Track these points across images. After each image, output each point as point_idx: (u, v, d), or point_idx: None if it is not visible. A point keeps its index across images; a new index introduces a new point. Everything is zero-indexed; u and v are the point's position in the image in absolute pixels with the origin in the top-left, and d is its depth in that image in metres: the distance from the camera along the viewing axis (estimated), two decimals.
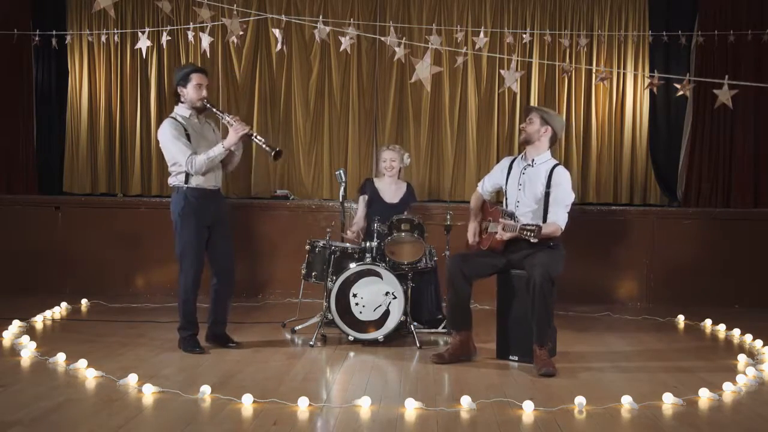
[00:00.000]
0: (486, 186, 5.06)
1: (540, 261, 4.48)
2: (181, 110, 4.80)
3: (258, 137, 4.78)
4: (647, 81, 6.49)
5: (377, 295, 5.01)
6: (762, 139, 7.09)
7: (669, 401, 3.85)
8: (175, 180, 4.73)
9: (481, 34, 6.24)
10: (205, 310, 4.94)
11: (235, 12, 5.90)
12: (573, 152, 7.33)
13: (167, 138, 4.67)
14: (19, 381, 4.05)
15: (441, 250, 5.45)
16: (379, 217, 5.30)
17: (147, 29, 6.00)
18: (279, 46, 5.87)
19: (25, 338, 4.83)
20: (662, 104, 7.33)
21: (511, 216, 4.65)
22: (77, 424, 3.39)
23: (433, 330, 5.46)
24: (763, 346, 5.10)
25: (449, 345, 4.78)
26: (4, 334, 5.00)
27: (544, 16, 7.29)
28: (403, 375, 4.38)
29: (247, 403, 3.68)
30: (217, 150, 4.68)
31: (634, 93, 7.33)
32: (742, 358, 4.77)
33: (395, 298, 5.00)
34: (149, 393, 3.82)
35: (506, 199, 4.89)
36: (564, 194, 4.64)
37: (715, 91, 5.48)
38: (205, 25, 5.72)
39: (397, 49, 5.81)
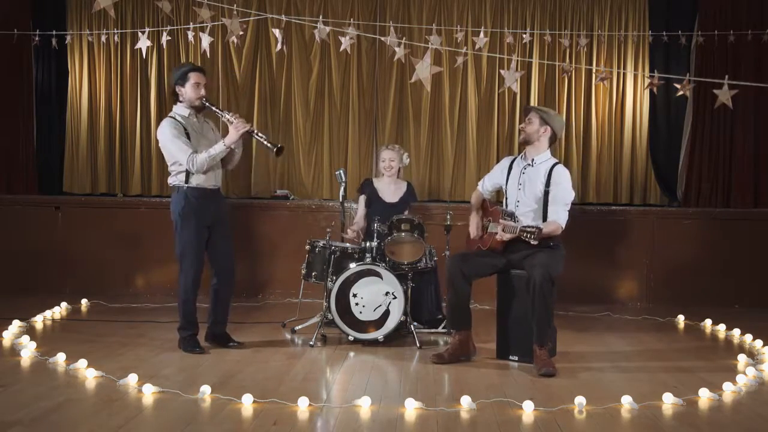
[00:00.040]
0: (486, 185, 5.07)
1: (540, 261, 4.48)
2: (180, 109, 4.79)
3: (259, 134, 4.77)
4: (647, 81, 6.49)
5: (377, 295, 5.01)
6: (762, 139, 7.09)
7: (669, 401, 3.85)
8: (175, 180, 4.73)
9: (481, 34, 6.24)
10: (205, 310, 4.94)
11: (235, 12, 5.90)
12: (573, 152, 7.33)
13: (167, 137, 4.66)
14: (19, 381, 4.05)
15: (441, 250, 5.44)
16: (379, 217, 5.30)
17: (147, 29, 6.00)
18: (279, 46, 5.87)
19: (25, 338, 4.83)
20: (662, 104, 7.34)
21: (511, 216, 4.65)
22: (77, 424, 3.39)
23: (433, 330, 5.46)
24: (763, 346, 5.10)
25: (449, 345, 4.78)
26: (4, 334, 5.00)
27: (544, 16, 7.29)
28: (403, 375, 4.38)
29: (247, 403, 3.68)
30: (219, 148, 4.68)
31: (634, 93, 7.33)
32: (742, 358, 4.77)
33: (395, 298, 5.00)
34: (149, 393, 3.81)
35: (506, 198, 4.89)
36: (564, 193, 4.64)
37: (715, 91, 5.48)
38: (205, 25, 5.72)
39: (397, 49, 5.81)
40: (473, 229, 4.97)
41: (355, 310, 5.01)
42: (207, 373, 4.27)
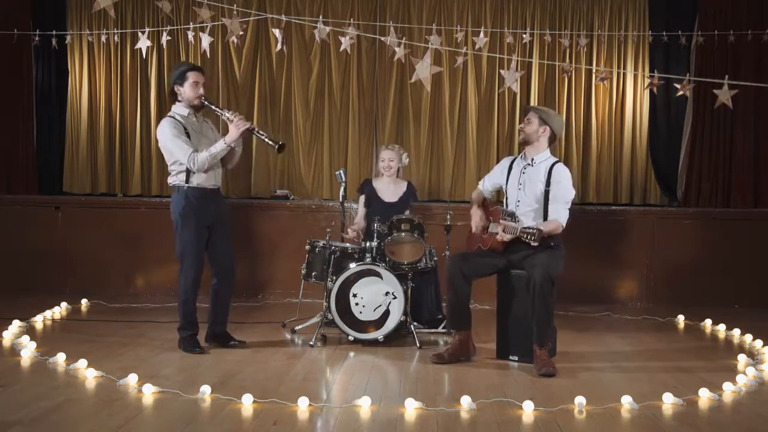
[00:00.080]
0: (486, 185, 5.07)
1: (540, 261, 4.47)
2: (179, 109, 4.78)
3: (260, 131, 4.77)
4: (647, 81, 6.49)
5: (377, 295, 5.01)
6: (762, 139, 7.09)
7: (669, 401, 3.85)
8: (175, 179, 4.72)
9: (481, 34, 6.25)
10: (206, 310, 4.94)
11: (235, 12, 5.90)
12: (573, 152, 7.33)
13: (167, 137, 4.65)
14: (19, 381, 4.05)
15: (441, 250, 5.44)
16: (379, 216, 5.30)
17: (147, 29, 6.00)
18: (279, 46, 5.88)
19: (25, 338, 4.83)
20: (662, 104, 7.33)
21: (512, 216, 4.65)
22: (77, 424, 3.39)
23: (433, 330, 5.46)
24: (763, 346, 5.10)
25: (449, 345, 4.78)
26: (4, 334, 5.00)
27: (544, 16, 7.29)
28: (403, 375, 4.38)
29: (247, 403, 3.68)
30: (219, 146, 4.67)
31: (634, 93, 7.33)
32: (742, 358, 4.77)
33: (395, 298, 5.00)
34: (149, 393, 3.81)
35: (506, 198, 4.89)
36: (564, 191, 4.64)
37: (715, 91, 5.48)
38: (205, 25, 5.72)
39: (397, 49, 5.82)
40: (475, 223, 4.95)
41: (355, 310, 5.01)
42: (207, 373, 4.27)
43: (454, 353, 4.65)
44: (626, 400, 3.79)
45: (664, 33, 6.86)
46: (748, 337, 5.38)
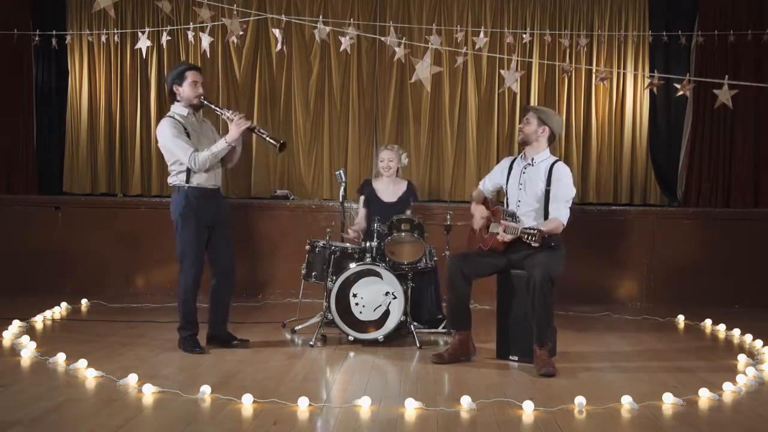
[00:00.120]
0: (487, 185, 5.07)
1: (540, 261, 4.47)
2: (178, 109, 4.78)
3: (261, 130, 4.77)
4: (647, 81, 6.49)
5: (377, 295, 5.00)
6: (762, 139, 7.09)
7: (669, 401, 3.85)
8: (175, 179, 4.72)
9: (481, 34, 6.25)
10: (205, 311, 4.93)
11: (235, 12, 5.90)
12: (573, 152, 7.33)
13: (167, 137, 4.65)
14: (19, 381, 4.05)
15: (441, 250, 5.44)
16: (379, 217, 5.30)
17: (147, 29, 6.00)
18: (279, 46, 5.88)
19: (25, 338, 4.82)
20: (662, 104, 7.33)
21: (513, 216, 4.64)
22: (77, 424, 3.39)
23: (433, 330, 5.46)
24: (763, 346, 5.10)
25: (449, 345, 4.78)
26: (4, 334, 5.00)
27: (544, 16, 7.29)
28: (403, 375, 4.38)
29: (247, 403, 3.67)
30: (220, 145, 4.67)
31: (634, 93, 7.33)
32: (742, 358, 4.77)
33: (395, 298, 5.00)
34: (149, 393, 3.81)
35: (507, 199, 4.88)
36: (565, 190, 4.64)
37: (715, 91, 5.48)
38: (205, 25, 5.72)
39: (397, 49, 5.82)
40: (476, 220, 4.94)
41: (355, 310, 5.01)
42: (207, 373, 4.27)
43: (454, 353, 4.65)
44: (626, 400, 3.79)
45: (664, 33, 6.86)
46: (748, 337, 5.37)
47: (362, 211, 5.78)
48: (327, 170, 7.38)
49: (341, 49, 5.94)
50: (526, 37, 6.89)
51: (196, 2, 6.21)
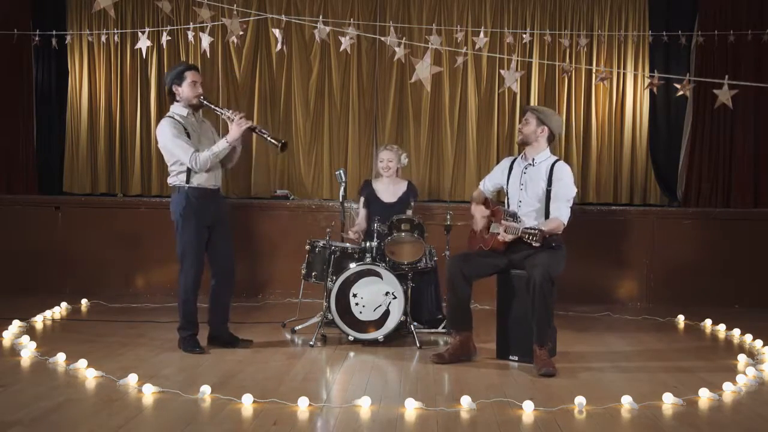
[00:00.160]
0: (487, 186, 5.06)
1: (541, 261, 4.47)
2: (177, 109, 4.77)
3: (262, 130, 4.77)
4: (647, 81, 6.49)
5: (377, 295, 5.00)
6: (762, 139, 7.09)
7: (669, 401, 3.85)
8: (175, 180, 4.72)
9: (481, 34, 6.25)
10: (205, 311, 4.93)
11: (235, 12, 5.90)
12: (573, 152, 7.33)
13: (168, 137, 4.64)
14: (19, 381, 4.05)
15: (441, 250, 5.44)
16: (379, 217, 5.30)
17: (147, 29, 6.00)
18: (279, 46, 5.88)
19: (25, 338, 4.82)
20: (662, 104, 7.33)
21: (514, 216, 4.64)
22: (77, 424, 3.39)
23: (433, 330, 5.45)
24: (763, 346, 5.10)
25: (449, 345, 4.78)
26: (4, 334, 5.00)
27: (544, 16, 7.29)
28: (403, 375, 4.38)
29: (247, 403, 3.68)
30: (222, 145, 4.67)
31: (634, 93, 7.33)
32: (742, 358, 4.77)
33: (395, 298, 5.00)
34: (149, 393, 3.81)
35: (508, 199, 4.88)
36: (566, 189, 4.64)
37: (715, 91, 5.48)
38: (205, 25, 5.72)
39: (397, 49, 5.82)
40: (477, 220, 4.93)
41: (355, 310, 5.01)
42: (207, 373, 4.27)
43: (455, 353, 4.65)
44: (626, 400, 3.79)
45: (664, 33, 6.86)
46: (748, 337, 5.37)
47: (362, 212, 5.77)
48: (327, 170, 7.38)
49: (341, 49, 5.94)
50: (526, 37, 6.89)
51: (196, 2, 6.21)
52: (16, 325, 5.23)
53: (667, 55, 7.24)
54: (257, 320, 5.82)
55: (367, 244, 5.16)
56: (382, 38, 6.01)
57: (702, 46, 6.91)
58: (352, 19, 6.76)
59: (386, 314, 5.01)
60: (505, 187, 4.91)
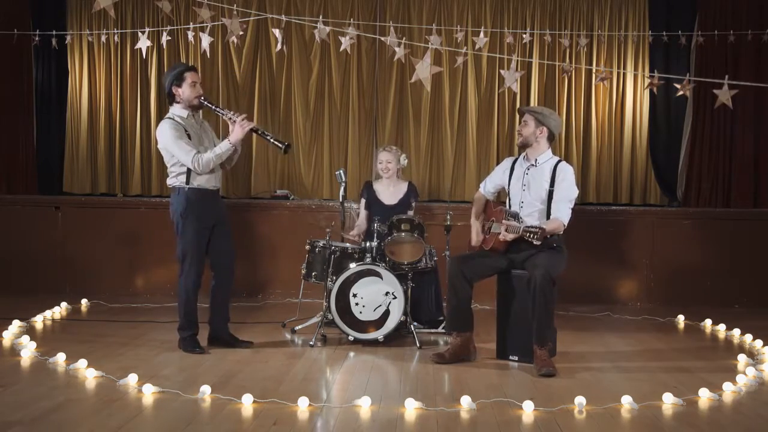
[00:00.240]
0: (488, 187, 5.04)
1: (541, 261, 4.47)
2: (177, 110, 4.76)
3: (265, 132, 4.76)
4: (647, 81, 6.49)
5: (377, 295, 5.00)
6: (762, 139, 7.09)
7: (669, 401, 3.85)
8: (175, 181, 4.71)
9: (481, 34, 6.25)
10: (205, 311, 4.93)
11: (235, 12, 5.90)
12: (573, 152, 7.33)
13: (168, 139, 4.63)
14: (19, 381, 4.05)
15: (441, 250, 5.44)
16: (380, 217, 5.30)
17: (147, 29, 6.00)
18: (279, 46, 5.88)
19: (25, 338, 4.82)
20: (662, 104, 7.34)
21: (515, 216, 4.63)
22: (77, 424, 3.39)
23: (433, 330, 5.45)
24: (763, 346, 5.09)
25: (450, 345, 4.77)
26: (4, 334, 5.00)
27: (544, 16, 7.30)
28: (403, 375, 4.38)
29: (247, 403, 3.68)
30: (224, 147, 4.66)
31: (634, 93, 7.33)
32: (742, 358, 4.77)
33: (395, 298, 5.00)
34: (149, 393, 3.81)
35: (509, 199, 4.87)
36: (567, 190, 4.63)
37: (715, 91, 5.48)
38: (205, 25, 5.72)
39: (397, 49, 5.81)
40: (474, 237, 4.94)
41: (355, 310, 5.01)
42: (207, 373, 4.26)
43: (455, 353, 4.64)
44: (626, 400, 3.79)
45: (664, 33, 6.87)
46: (748, 337, 5.37)
47: (363, 213, 5.77)
48: (327, 170, 7.38)
49: (341, 49, 5.94)
50: (526, 37, 6.89)
51: (196, 2, 6.21)
52: (16, 325, 5.23)
53: (667, 55, 7.25)
54: (257, 320, 5.82)
55: (367, 244, 5.16)
56: (382, 38, 6.01)
57: (702, 46, 6.91)
58: (352, 19, 6.77)
59: (386, 314, 5.01)
60: (506, 187, 4.90)
